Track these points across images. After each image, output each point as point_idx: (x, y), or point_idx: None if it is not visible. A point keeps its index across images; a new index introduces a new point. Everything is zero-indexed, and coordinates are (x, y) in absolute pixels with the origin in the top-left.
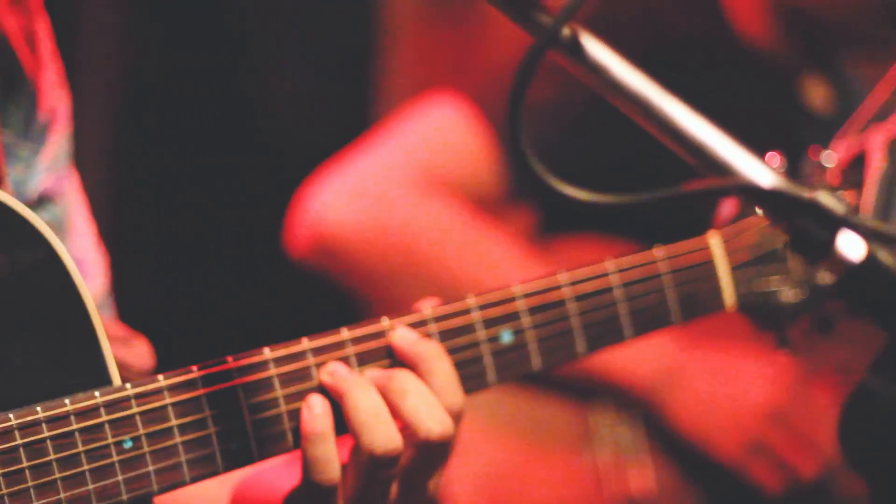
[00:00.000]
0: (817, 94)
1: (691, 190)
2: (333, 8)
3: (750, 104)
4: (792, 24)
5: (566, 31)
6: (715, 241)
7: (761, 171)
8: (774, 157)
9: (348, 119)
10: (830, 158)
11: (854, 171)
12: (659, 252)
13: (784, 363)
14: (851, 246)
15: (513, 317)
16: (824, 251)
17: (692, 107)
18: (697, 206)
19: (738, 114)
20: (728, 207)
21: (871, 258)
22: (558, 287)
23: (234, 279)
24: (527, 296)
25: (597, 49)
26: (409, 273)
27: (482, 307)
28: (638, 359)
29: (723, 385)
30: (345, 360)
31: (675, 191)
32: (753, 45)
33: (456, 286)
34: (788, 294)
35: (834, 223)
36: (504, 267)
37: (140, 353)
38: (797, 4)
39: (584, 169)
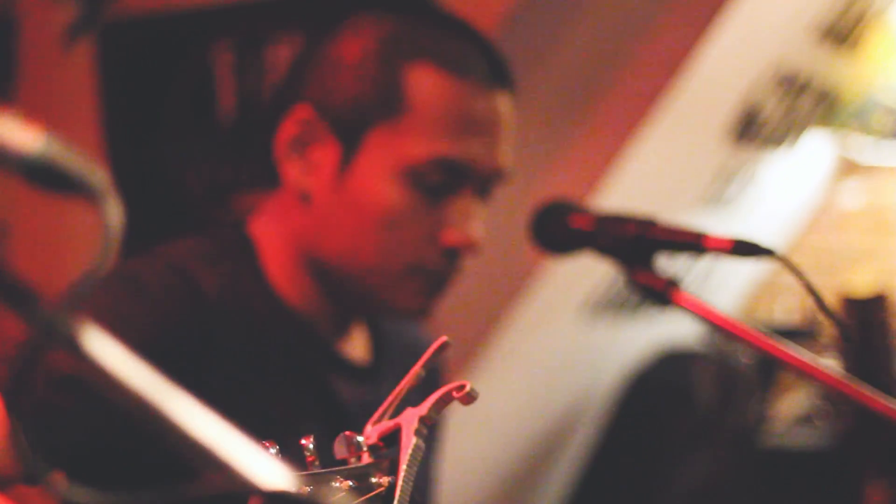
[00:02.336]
0: (359, 348)
1: (203, 491)
2: None
3: (292, 366)
4: (324, 281)
5: (66, 326)
6: None
7: (275, 473)
8: (306, 442)
9: None
10: (365, 437)
11: (389, 451)
12: None
13: None
14: None
15: None
16: None
17: (211, 405)
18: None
19: (279, 377)
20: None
21: None
22: None
23: None
24: None
25: (102, 346)
26: None
27: None
28: None
29: None
30: None
31: (184, 494)
32: (293, 304)
33: None
34: None
35: None
36: None
37: None
38: (322, 262)
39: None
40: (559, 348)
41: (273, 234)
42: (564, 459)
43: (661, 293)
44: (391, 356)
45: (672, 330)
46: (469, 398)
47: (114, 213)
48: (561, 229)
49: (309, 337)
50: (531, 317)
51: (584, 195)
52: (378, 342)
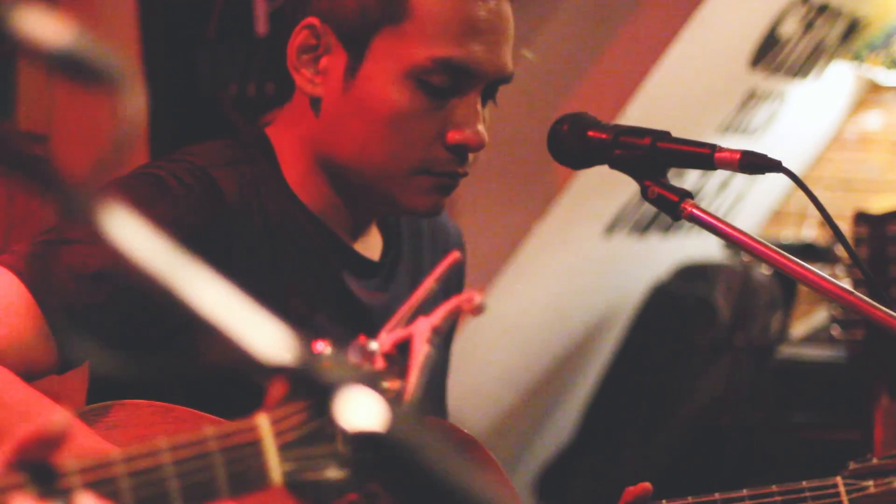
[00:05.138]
0: (374, 247)
1: (216, 365)
2: None
3: (309, 263)
4: (337, 182)
5: (87, 202)
6: (263, 422)
7: (285, 348)
8: (323, 346)
9: None
10: (379, 344)
11: (401, 358)
12: (210, 431)
13: None
14: (355, 417)
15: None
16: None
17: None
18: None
19: (297, 274)
20: (277, 389)
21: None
22: (111, 464)
23: None
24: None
25: (122, 222)
26: None
27: None
28: None
29: None
30: None
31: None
32: (309, 204)
33: None
34: (334, 472)
35: (328, 389)
36: None
37: None
38: (334, 164)
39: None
40: (586, 262)
41: (288, 138)
42: (588, 370)
43: (674, 205)
44: (405, 253)
45: (699, 245)
46: (478, 310)
47: (136, 101)
48: (578, 141)
49: (325, 235)
50: (558, 232)
51: (608, 119)
52: (392, 240)
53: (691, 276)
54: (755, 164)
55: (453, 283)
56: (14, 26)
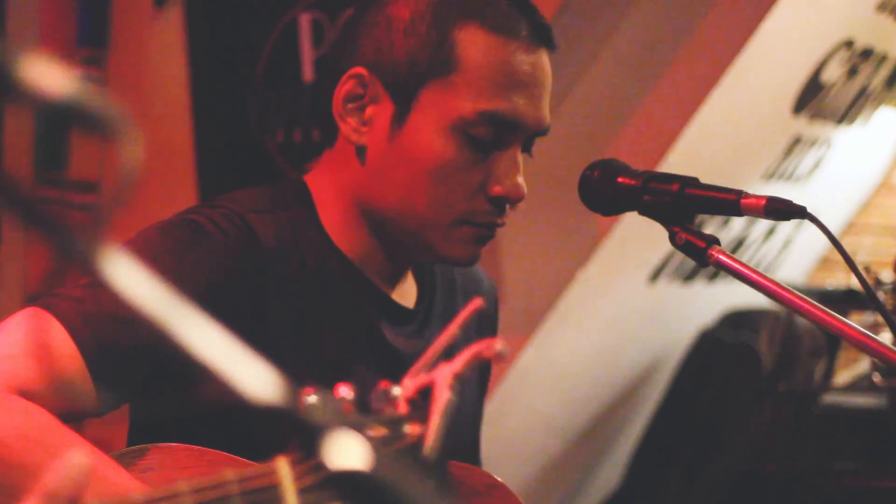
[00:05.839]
0: (409, 295)
1: (203, 403)
2: None
3: (346, 311)
4: (376, 230)
5: (88, 248)
6: (283, 466)
7: (271, 389)
8: (346, 391)
9: None
10: (402, 389)
11: (423, 404)
12: (230, 475)
13: None
14: (343, 457)
15: None
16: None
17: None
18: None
19: (333, 322)
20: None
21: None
22: None
23: None
24: None
25: (121, 267)
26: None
27: None
28: None
29: None
30: None
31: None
32: (347, 252)
33: None
34: None
35: (318, 432)
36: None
37: None
38: (375, 213)
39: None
40: (630, 310)
41: (327, 185)
42: (634, 418)
43: (701, 251)
44: (438, 301)
45: (747, 291)
46: (499, 357)
47: (134, 149)
48: (608, 187)
49: (362, 282)
50: (601, 279)
51: (650, 166)
52: (426, 288)
53: (736, 322)
54: (780, 210)
55: (486, 332)
56: (16, 74)
